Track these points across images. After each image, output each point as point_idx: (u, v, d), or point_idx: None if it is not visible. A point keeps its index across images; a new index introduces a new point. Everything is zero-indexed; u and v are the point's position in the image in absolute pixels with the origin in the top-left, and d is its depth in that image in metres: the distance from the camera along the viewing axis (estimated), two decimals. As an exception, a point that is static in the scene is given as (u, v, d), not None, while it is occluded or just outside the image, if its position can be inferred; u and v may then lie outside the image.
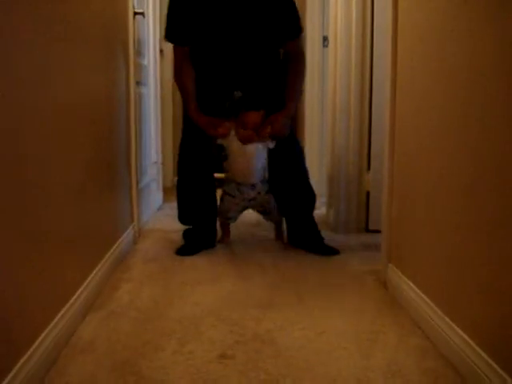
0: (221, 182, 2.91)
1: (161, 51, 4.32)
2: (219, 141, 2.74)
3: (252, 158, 2.71)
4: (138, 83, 3.16)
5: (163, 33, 2.76)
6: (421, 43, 1.89)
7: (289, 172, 2.88)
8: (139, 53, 3.29)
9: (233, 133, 2.70)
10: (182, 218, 3.02)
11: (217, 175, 2.99)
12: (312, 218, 2.98)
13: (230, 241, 3.01)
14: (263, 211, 2.92)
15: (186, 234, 2.99)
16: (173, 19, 2.69)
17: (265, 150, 2.74)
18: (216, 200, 2.97)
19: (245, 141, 2.68)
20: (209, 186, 2.94)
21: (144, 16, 3.28)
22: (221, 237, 3.00)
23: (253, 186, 2.79)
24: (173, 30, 2.71)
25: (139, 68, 3.26)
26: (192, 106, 2.73)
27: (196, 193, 2.93)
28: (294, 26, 2.73)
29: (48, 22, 1.59)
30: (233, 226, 3.04)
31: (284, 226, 3.02)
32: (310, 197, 2.97)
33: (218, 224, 2.99)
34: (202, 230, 2.95)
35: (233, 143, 2.71)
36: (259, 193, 2.81)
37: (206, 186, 2.92)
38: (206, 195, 2.93)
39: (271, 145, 2.73)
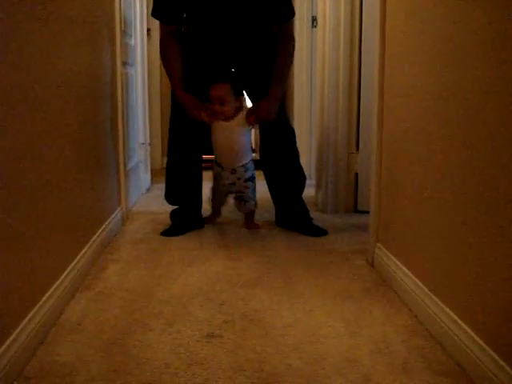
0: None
1: (148, 31, 4.28)
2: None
3: (232, 137, 2.69)
4: (124, 63, 3.14)
5: (151, 10, 2.71)
6: (409, 20, 1.88)
7: (280, 153, 2.88)
8: (126, 33, 3.26)
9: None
10: (169, 197, 3.01)
11: (206, 157, 2.98)
12: (301, 199, 2.98)
13: (216, 221, 3.02)
14: (240, 198, 2.86)
15: (173, 214, 2.98)
16: None
17: (247, 132, 2.72)
18: (201, 181, 2.97)
19: (211, 117, 2.64)
20: (196, 167, 2.93)
21: (131, -5, 3.25)
22: (209, 216, 3.02)
23: (233, 170, 2.76)
24: (161, 8, 2.66)
25: (126, 48, 3.23)
26: (177, 84, 2.68)
27: (184, 172, 2.91)
28: (285, 10, 2.69)
29: (34, 6, 1.57)
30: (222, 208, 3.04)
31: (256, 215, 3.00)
32: (300, 178, 2.97)
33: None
34: (188, 210, 2.95)
35: (214, 123, 2.69)
36: (239, 178, 2.78)
37: (193, 166, 2.91)
38: (193, 175, 2.93)
39: (253, 127, 2.72)
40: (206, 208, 3.00)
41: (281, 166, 2.90)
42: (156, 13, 2.69)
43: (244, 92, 2.74)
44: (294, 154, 2.94)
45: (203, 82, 2.69)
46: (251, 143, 2.77)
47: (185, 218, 2.91)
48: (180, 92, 2.68)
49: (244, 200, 2.86)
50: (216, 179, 2.87)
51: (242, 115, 2.66)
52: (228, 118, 2.66)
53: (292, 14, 2.72)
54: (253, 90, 2.75)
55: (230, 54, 2.73)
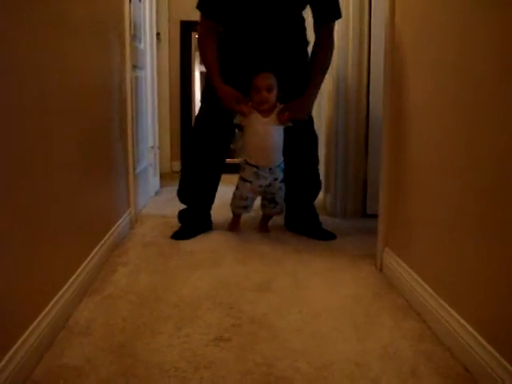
0: (234, 168, 2.87)
1: (157, 35, 4.29)
2: (237, 119, 2.68)
3: (269, 135, 2.65)
4: (134, 67, 3.14)
5: (197, 2, 2.69)
6: (419, 15, 1.88)
7: (301, 158, 2.88)
8: (135, 36, 3.27)
9: (253, 113, 2.64)
10: (182, 195, 2.98)
11: (228, 160, 2.98)
12: (312, 204, 2.99)
13: (240, 229, 2.94)
14: (271, 199, 2.82)
15: (181, 215, 2.97)
16: None
17: (281, 128, 2.69)
18: (218, 184, 2.94)
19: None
20: (217, 170, 2.91)
21: (140, 0, 3.26)
22: (230, 224, 2.95)
23: (271, 170, 2.72)
24: (207, 1, 2.66)
25: (136, 52, 3.24)
26: (216, 76, 2.65)
27: (203, 173, 2.88)
28: (334, 10, 2.68)
29: (40, 8, 1.58)
30: (229, 211, 2.98)
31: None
32: (316, 185, 2.98)
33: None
34: (197, 211, 2.92)
35: (251, 121, 2.65)
36: (276, 179, 2.75)
37: (214, 168, 2.90)
38: (211, 177, 2.91)
39: (288, 123, 2.68)
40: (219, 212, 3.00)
41: (299, 171, 2.90)
42: (202, 5, 2.67)
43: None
44: (314, 160, 2.95)
45: (241, 79, 2.67)
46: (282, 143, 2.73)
47: (194, 220, 2.89)
48: (219, 84, 2.64)
49: (275, 202, 2.83)
50: (247, 181, 2.76)
51: (276, 112, 2.65)
52: (266, 112, 2.63)
53: (339, 15, 2.70)
54: (286, 90, 2.72)
55: (267, 54, 2.69)
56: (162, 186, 4.24)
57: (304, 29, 2.77)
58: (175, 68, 4.94)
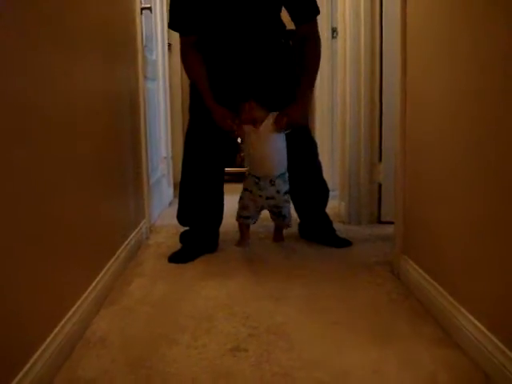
0: (238, 177, 2.81)
1: (169, 45, 4.31)
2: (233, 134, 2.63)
3: (265, 146, 2.58)
4: (146, 78, 3.16)
5: (168, 22, 2.63)
6: (431, 31, 1.87)
7: (303, 167, 2.81)
8: (147, 47, 3.29)
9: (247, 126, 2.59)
10: (182, 218, 2.82)
11: (228, 170, 2.90)
12: (324, 212, 2.95)
13: (248, 244, 2.82)
14: (278, 213, 2.74)
15: (183, 236, 2.80)
16: (176, 8, 2.56)
17: (281, 136, 2.61)
18: (223, 198, 2.81)
19: (241, 129, 2.57)
20: (216, 183, 2.77)
21: (151, 11, 3.28)
22: (238, 240, 2.84)
23: (272, 182, 2.62)
24: (177, 19, 2.58)
25: (148, 63, 3.26)
26: (207, 95, 2.57)
27: (201, 190, 2.73)
28: (309, 7, 2.59)
29: (53, 23, 1.59)
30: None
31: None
32: (324, 192, 2.93)
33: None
34: (202, 232, 2.74)
35: (247, 133, 2.60)
36: (278, 192, 2.64)
37: (212, 182, 2.75)
38: (211, 193, 2.76)
39: (284, 132, 2.61)
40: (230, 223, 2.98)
41: (303, 179, 2.83)
42: (173, 24, 2.61)
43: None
44: (317, 166, 2.91)
45: (222, 89, 2.61)
46: (285, 151, 2.65)
47: (197, 241, 2.71)
48: (211, 103, 2.57)
49: (282, 215, 2.74)
50: (250, 191, 2.69)
51: (270, 120, 2.58)
52: (257, 124, 2.57)
53: (317, 10, 2.62)
54: (274, 96, 2.65)
55: (248, 60, 2.63)
56: (175, 196, 4.23)
57: (284, 32, 2.71)
58: (187, 78, 4.94)
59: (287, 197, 2.71)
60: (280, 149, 2.63)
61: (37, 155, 1.43)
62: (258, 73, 2.64)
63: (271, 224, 2.91)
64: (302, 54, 2.64)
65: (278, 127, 2.57)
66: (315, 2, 2.61)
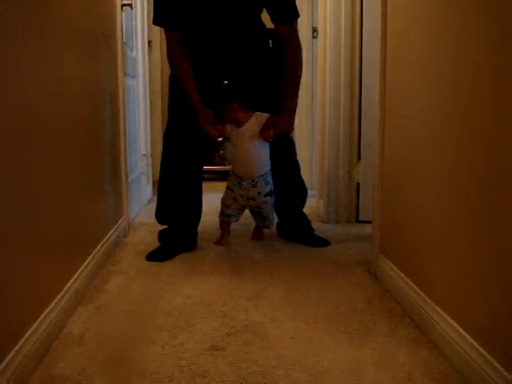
0: (216, 175, 2.82)
1: (149, 43, 4.30)
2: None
3: (247, 148, 2.59)
4: (126, 75, 3.14)
5: (152, 18, 2.60)
6: (411, 32, 1.88)
7: (280, 166, 2.80)
8: (127, 44, 3.27)
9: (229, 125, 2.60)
10: (160, 217, 2.81)
11: (206, 168, 2.90)
12: (302, 211, 2.95)
13: (228, 242, 2.83)
14: (258, 213, 2.78)
15: (161, 235, 2.79)
16: (160, 3, 2.54)
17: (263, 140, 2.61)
18: (201, 196, 2.81)
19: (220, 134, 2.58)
20: (194, 182, 2.77)
21: (132, 8, 3.25)
22: (218, 238, 2.84)
23: (254, 182, 2.63)
24: (162, 14, 2.55)
25: (128, 60, 3.24)
26: (194, 97, 2.54)
27: (179, 188, 2.73)
28: (290, 9, 2.60)
29: (32, 20, 1.58)
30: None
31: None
32: (302, 192, 2.94)
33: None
34: (180, 231, 2.74)
35: (230, 134, 2.61)
36: (259, 193, 2.66)
37: (191, 181, 2.75)
38: (190, 191, 2.75)
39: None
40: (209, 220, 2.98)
41: (281, 178, 2.82)
42: (157, 20, 2.58)
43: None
44: (295, 165, 2.91)
45: (203, 85, 2.58)
46: (268, 152, 2.66)
47: (175, 239, 2.70)
48: (197, 105, 2.55)
49: (262, 216, 2.78)
50: (232, 190, 2.73)
51: (253, 120, 2.59)
52: (240, 124, 2.58)
53: (297, 14, 2.62)
54: (253, 94, 2.65)
55: (230, 59, 2.64)
56: (154, 194, 4.22)
57: (264, 31, 2.72)
58: (167, 76, 4.92)
59: (269, 198, 2.71)
60: (262, 150, 2.64)
61: (15, 152, 1.41)
62: (238, 71, 2.64)
63: (251, 222, 2.92)
64: (282, 57, 2.65)
65: (265, 137, 2.57)
66: (295, 6, 2.62)
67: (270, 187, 2.69)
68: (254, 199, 2.68)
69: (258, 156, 2.64)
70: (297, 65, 2.67)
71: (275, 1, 2.57)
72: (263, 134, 2.57)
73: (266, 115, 2.60)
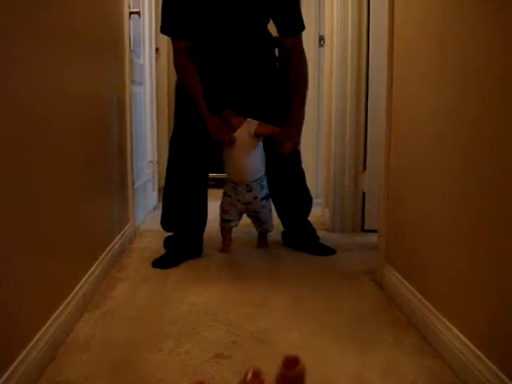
0: (222, 182, 2.84)
1: (156, 50, 4.31)
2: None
3: (243, 151, 2.61)
4: (133, 82, 3.16)
5: (160, 26, 2.60)
6: (418, 41, 1.89)
7: (285, 174, 2.82)
8: (134, 52, 3.29)
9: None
10: (166, 224, 2.81)
11: (212, 175, 2.91)
12: (307, 220, 2.96)
13: (230, 250, 2.82)
14: (256, 218, 2.80)
15: (167, 241, 2.79)
16: (168, 12, 2.55)
17: (257, 144, 2.64)
18: (207, 203, 2.81)
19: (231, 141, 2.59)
20: (200, 189, 2.76)
21: (140, 15, 3.28)
22: (222, 246, 2.84)
23: (248, 187, 2.66)
24: (169, 23, 2.56)
25: (135, 67, 3.25)
26: (202, 106, 2.56)
27: (185, 195, 2.73)
28: (296, 21, 2.62)
29: (40, 26, 1.59)
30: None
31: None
32: (307, 200, 2.94)
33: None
34: (186, 238, 2.73)
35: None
36: (255, 197, 2.69)
37: (196, 188, 2.74)
38: (195, 198, 2.75)
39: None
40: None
41: (286, 186, 2.85)
42: (164, 29, 2.59)
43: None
44: (299, 174, 2.91)
45: (209, 97, 2.59)
46: (263, 156, 2.69)
47: (181, 246, 2.70)
48: (205, 113, 2.56)
49: (260, 221, 2.81)
50: (229, 196, 2.75)
51: (245, 126, 2.60)
52: (233, 130, 2.60)
53: (303, 26, 2.65)
54: (258, 103, 2.69)
55: (235, 68, 2.65)
56: (160, 201, 4.22)
57: (270, 41, 2.73)
58: (174, 83, 4.93)
59: (265, 202, 2.74)
60: (255, 155, 2.66)
61: (22, 158, 1.42)
62: (244, 80, 2.66)
63: (256, 230, 2.93)
64: (287, 69, 2.67)
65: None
66: (301, 18, 2.65)
67: (265, 191, 2.73)
68: (250, 203, 2.72)
69: (251, 161, 2.66)
70: (302, 77, 2.70)
71: (282, 12, 2.58)
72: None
73: (256, 122, 2.63)
